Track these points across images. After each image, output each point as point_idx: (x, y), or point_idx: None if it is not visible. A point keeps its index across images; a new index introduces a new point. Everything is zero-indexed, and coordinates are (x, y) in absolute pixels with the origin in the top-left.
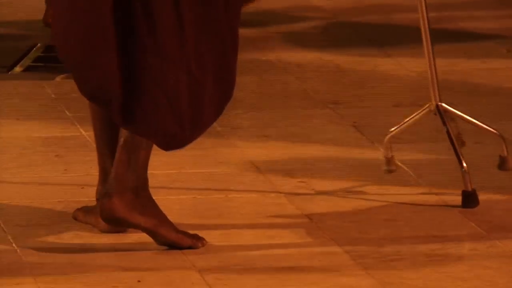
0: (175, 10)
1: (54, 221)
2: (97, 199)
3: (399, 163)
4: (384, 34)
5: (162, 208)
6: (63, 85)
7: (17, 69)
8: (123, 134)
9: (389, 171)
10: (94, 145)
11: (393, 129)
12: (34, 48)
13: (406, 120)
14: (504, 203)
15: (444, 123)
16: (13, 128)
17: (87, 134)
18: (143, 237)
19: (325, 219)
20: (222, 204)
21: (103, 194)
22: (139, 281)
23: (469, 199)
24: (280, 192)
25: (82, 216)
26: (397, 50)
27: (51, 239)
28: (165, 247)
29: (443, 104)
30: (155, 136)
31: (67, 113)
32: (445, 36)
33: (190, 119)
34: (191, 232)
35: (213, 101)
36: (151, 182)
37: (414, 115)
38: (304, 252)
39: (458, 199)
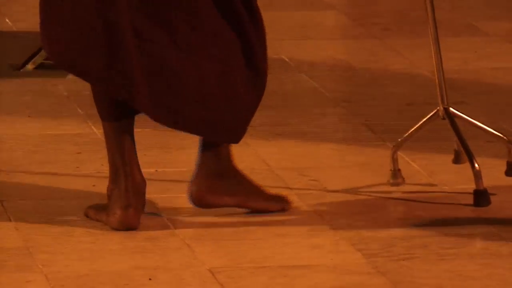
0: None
1: (65, 219)
2: (108, 196)
3: (411, 162)
4: (397, 33)
5: (173, 206)
6: (75, 82)
7: (29, 66)
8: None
9: (395, 184)
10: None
11: (399, 140)
12: None
13: (412, 129)
14: None
15: (453, 128)
16: (25, 126)
17: (99, 131)
18: (154, 235)
19: (336, 217)
20: None
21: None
22: (150, 279)
23: (481, 198)
24: (292, 190)
25: (93, 213)
26: (409, 49)
27: (63, 236)
28: (176, 246)
29: (451, 108)
30: (193, 128)
31: (79, 110)
32: (457, 35)
33: (226, 107)
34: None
35: (249, 86)
36: (164, 181)
37: (420, 122)
38: (315, 250)
39: (470, 198)
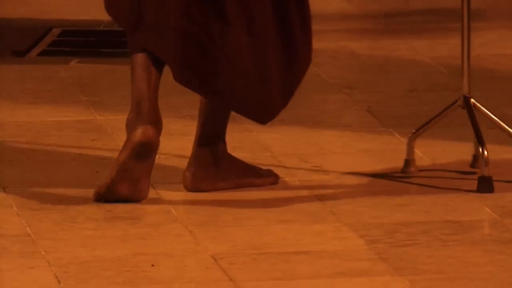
0: None
1: (68, 205)
2: (127, 125)
3: (414, 148)
4: (399, 20)
5: (176, 192)
6: (78, 69)
7: (32, 53)
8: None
9: (406, 172)
10: (109, 129)
11: (418, 129)
12: (50, 33)
13: (432, 118)
14: None
15: (470, 117)
16: (28, 112)
17: (102, 118)
18: (157, 221)
19: (338, 203)
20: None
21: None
22: (152, 265)
23: (485, 185)
24: (294, 176)
25: (99, 184)
26: (412, 36)
27: (65, 223)
28: (179, 232)
29: (472, 100)
30: (220, 96)
31: (82, 97)
32: (458, 21)
33: (257, 78)
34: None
35: (280, 62)
36: (166, 167)
37: (441, 111)
38: (317, 237)
39: (473, 184)
